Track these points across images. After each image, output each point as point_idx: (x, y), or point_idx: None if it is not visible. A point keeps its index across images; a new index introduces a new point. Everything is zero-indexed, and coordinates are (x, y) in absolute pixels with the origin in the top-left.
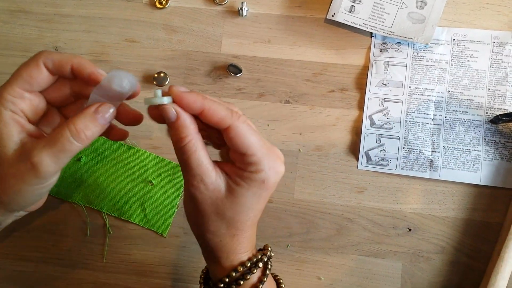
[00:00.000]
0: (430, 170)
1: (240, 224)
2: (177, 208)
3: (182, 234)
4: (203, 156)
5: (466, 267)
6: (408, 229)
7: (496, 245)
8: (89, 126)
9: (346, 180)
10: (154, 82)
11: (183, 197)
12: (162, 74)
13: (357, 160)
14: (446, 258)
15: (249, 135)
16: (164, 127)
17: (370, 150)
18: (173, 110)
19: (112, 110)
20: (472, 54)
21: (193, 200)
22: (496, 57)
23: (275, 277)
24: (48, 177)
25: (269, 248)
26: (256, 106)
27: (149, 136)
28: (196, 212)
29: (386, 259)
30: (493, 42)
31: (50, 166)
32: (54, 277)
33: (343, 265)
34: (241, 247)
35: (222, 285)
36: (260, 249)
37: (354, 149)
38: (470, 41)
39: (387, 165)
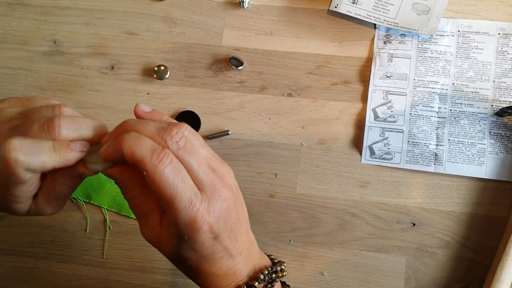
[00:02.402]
0: (434, 164)
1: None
2: None
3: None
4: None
5: (471, 262)
6: (412, 224)
7: (502, 239)
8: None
9: (349, 174)
10: (154, 76)
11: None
12: (162, 67)
13: (361, 154)
14: (450, 253)
15: (166, 184)
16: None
17: (373, 143)
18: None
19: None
20: (477, 46)
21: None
22: (502, 48)
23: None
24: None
25: (284, 265)
26: (258, 99)
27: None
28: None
29: (390, 254)
30: (499, 34)
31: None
32: (53, 273)
33: (346, 260)
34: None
35: None
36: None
37: (357, 142)
38: (476, 32)
39: (391, 159)
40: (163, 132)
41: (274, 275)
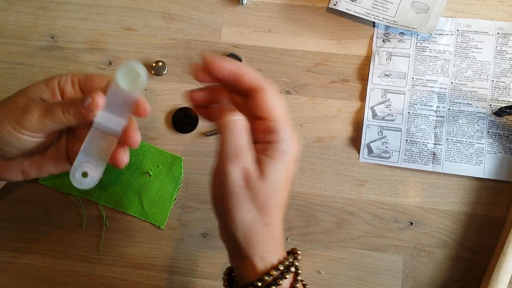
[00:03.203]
0: (432, 163)
1: (272, 209)
2: (174, 200)
3: (180, 227)
4: (243, 136)
5: (469, 262)
6: (409, 223)
7: (499, 239)
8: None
9: (347, 172)
10: (152, 72)
11: (211, 181)
12: (160, 63)
13: (359, 153)
14: (448, 252)
15: (276, 101)
16: (161, 115)
17: (371, 142)
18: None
19: (99, 100)
20: (476, 45)
21: (225, 183)
22: (501, 48)
23: (301, 282)
24: (29, 127)
25: (298, 252)
26: None
27: (147, 127)
28: (227, 197)
29: (387, 253)
30: (498, 33)
31: (36, 119)
32: (49, 269)
33: (344, 258)
34: (273, 244)
35: None
36: (288, 251)
37: (355, 141)
38: (475, 31)
39: (389, 157)
40: None
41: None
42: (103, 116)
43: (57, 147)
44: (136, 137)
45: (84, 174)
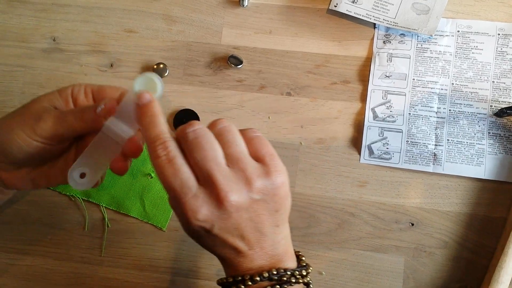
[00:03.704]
0: (433, 164)
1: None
2: None
3: (181, 228)
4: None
5: (469, 262)
6: (410, 224)
7: (500, 240)
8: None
9: (348, 173)
10: None
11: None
12: (161, 65)
13: (359, 154)
14: (449, 253)
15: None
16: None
17: (372, 143)
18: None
19: (112, 107)
20: (476, 46)
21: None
22: (501, 49)
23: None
24: (42, 133)
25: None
26: (257, 98)
27: None
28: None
29: (388, 254)
30: (498, 34)
31: (49, 126)
32: (51, 271)
33: (345, 260)
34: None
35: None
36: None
37: (356, 142)
38: (475, 32)
39: (389, 158)
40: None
41: (284, 277)
42: (113, 122)
43: (66, 158)
44: (140, 148)
45: (82, 175)
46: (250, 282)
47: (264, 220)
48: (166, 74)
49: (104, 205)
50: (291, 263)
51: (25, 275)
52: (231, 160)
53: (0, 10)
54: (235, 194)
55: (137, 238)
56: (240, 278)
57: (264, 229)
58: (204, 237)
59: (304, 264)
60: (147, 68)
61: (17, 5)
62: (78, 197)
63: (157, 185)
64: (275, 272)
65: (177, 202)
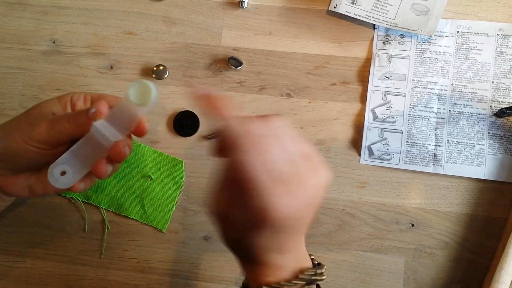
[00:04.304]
0: (433, 165)
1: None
2: (176, 203)
3: (181, 230)
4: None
5: (470, 263)
6: (411, 225)
7: (501, 240)
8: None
9: (348, 174)
10: (153, 75)
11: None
12: (161, 67)
13: (359, 155)
14: (449, 253)
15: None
16: (162, 118)
17: (372, 144)
18: None
19: (103, 109)
20: (476, 47)
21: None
22: (501, 49)
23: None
24: (37, 138)
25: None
26: (256, 99)
27: (148, 131)
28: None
29: (389, 255)
30: (498, 35)
31: (44, 130)
32: (51, 273)
33: (345, 261)
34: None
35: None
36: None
37: (356, 143)
38: (475, 33)
39: (389, 159)
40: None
41: (313, 277)
42: (103, 124)
43: None
44: (123, 153)
45: (63, 173)
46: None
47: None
48: (166, 76)
49: (104, 207)
50: (309, 261)
51: (25, 278)
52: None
53: (0, 12)
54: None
55: (137, 240)
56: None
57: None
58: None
59: (317, 262)
60: (147, 70)
61: (17, 7)
62: (78, 199)
63: (157, 187)
64: (308, 274)
65: (258, 193)
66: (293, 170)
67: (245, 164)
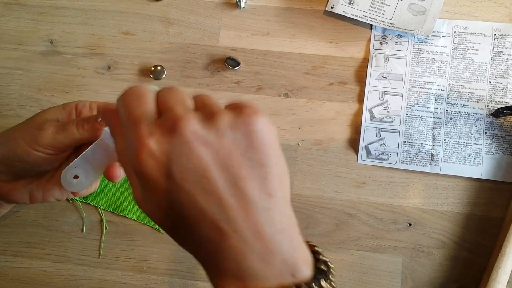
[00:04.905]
0: (430, 164)
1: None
2: None
3: None
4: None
5: (467, 262)
6: (408, 224)
7: (498, 239)
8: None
9: (346, 174)
10: (151, 76)
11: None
12: (159, 67)
13: (357, 154)
14: (447, 253)
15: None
16: None
17: (370, 144)
18: None
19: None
20: (473, 47)
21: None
22: (497, 49)
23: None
24: (43, 142)
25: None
26: (254, 99)
27: None
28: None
29: (386, 254)
30: (494, 35)
31: (50, 135)
32: (49, 274)
33: (343, 260)
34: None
35: None
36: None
37: (353, 143)
38: (471, 33)
39: (387, 159)
40: None
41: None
42: None
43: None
44: None
45: (75, 178)
46: None
47: (242, 169)
48: (163, 76)
49: (102, 207)
50: (307, 269)
51: (22, 278)
52: (200, 106)
53: None
54: (193, 123)
55: (135, 240)
56: None
57: (247, 188)
58: (162, 193)
59: (324, 267)
60: (145, 70)
61: (15, 8)
62: (76, 199)
63: None
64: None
65: (130, 131)
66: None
67: None
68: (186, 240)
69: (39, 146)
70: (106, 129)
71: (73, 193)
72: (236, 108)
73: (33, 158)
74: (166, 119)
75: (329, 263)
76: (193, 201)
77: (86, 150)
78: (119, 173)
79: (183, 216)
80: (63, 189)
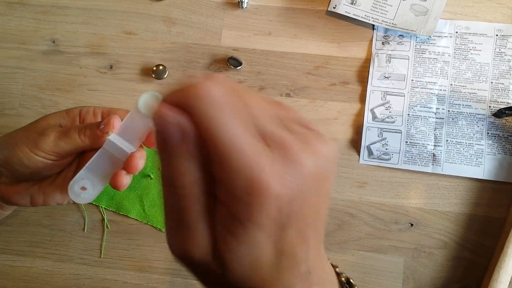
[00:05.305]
0: (432, 165)
1: None
2: None
3: None
4: None
5: (469, 262)
6: (410, 224)
7: (499, 240)
8: (91, 130)
9: (348, 174)
10: (153, 75)
11: None
12: (161, 67)
13: (359, 155)
14: (448, 253)
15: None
16: None
17: (371, 144)
18: None
19: (115, 123)
20: (475, 47)
21: None
22: (500, 50)
23: None
24: (45, 147)
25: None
26: None
27: None
28: None
29: (388, 255)
30: (497, 35)
31: (52, 141)
32: (51, 273)
33: (344, 260)
34: None
35: None
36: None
37: (355, 143)
38: (473, 33)
39: (389, 159)
40: None
41: None
42: (115, 138)
43: (65, 176)
44: (139, 165)
45: (82, 189)
46: None
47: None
48: (165, 76)
49: (103, 206)
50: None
51: (24, 277)
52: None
53: (0, 12)
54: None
55: (137, 239)
56: None
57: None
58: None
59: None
60: (147, 69)
61: (17, 7)
62: None
63: (156, 187)
64: None
65: (252, 181)
66: (288, 132)
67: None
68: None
69: (41, 151)
70: (110, 137)
71: None
72: (315, 142)
73: (34, 163)
74: (285, 154)
75: (351, 281)
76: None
77: (90, 160)
78: (126, 181)
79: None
80: (64, 194)
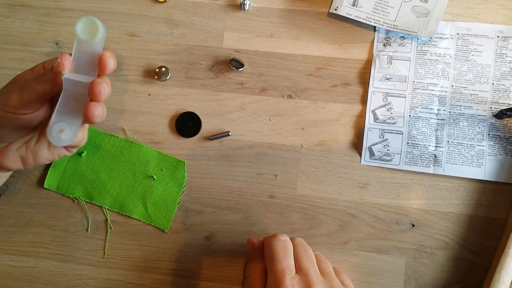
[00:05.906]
0: (433, 166)
1: None
2: (178, 203)
3: (184, 230)
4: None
5: (470, 263)
6: (411, 225)
7: (501, 240)
8: (45, 75)
9: (349, 175)
10: (156, 77)
11: None
12: (163, 69)
13: (360, 156)
14: (450, 254)
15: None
16: (165, 119)
17: (373, 145)
18: None
19: (65, 60)
20: (476, 49)
21: None
22: (501, 51)
23: None
24: (12, 103)
25: None
26: (258, 101)
27: (150, 131)
28: None
29: (389, 255)
30: (498, 37)
31: (17, 95)
32: (54, 273)
33: (346, 261)
34: None
35: None
36: None
37: (357, 144)
38: (475, 35)
39: (390, 160)
40: None
41: None
42: (70, 75)
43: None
44: (102, 90)
45: (61, 132)
46: None
47: None
48: (168, 77)
49: (106, 207)
50: None
51: (28, 277)
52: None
53: (3, 14)
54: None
55: (140, 240)
56: None
57: None
58: None
59: None
60: (149, 71)
61: (20, 9)
62: (81, 199)
63: (159, 188)
64: None
65: (275, 275)
66: (317, 269)
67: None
68: None
69: (10, 107)
70: (65, 75)
71: (66, 148)
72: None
73: (9, 119)
74: (304, 280)
75: None
76: None
77: (57, 103)
78: (97, 111)
79: None
80: (51, 148)
